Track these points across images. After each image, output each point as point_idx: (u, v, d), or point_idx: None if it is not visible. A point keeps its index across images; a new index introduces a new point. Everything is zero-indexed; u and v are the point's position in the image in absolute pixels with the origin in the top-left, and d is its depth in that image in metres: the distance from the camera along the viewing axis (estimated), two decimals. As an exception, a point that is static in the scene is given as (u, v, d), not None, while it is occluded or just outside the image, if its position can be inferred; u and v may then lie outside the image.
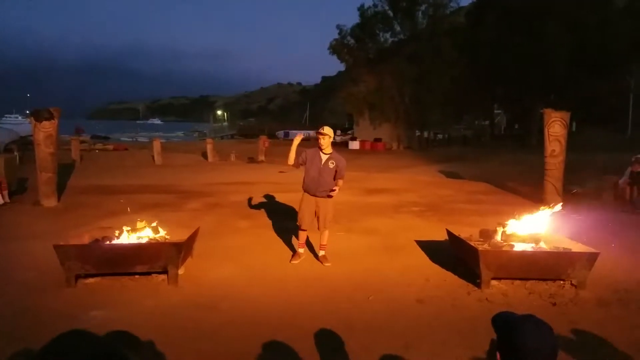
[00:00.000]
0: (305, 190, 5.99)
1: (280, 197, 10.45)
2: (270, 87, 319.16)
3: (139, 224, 5.61)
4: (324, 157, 5.87)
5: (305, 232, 6.08)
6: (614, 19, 29.91)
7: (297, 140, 6.07)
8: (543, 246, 5.35)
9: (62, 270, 5.00)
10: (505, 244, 5.34)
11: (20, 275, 5.44)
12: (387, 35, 40.45)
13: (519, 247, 5.30)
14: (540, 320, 1.50)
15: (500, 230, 5.59)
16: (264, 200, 10.63)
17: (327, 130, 5.88)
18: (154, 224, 5.71)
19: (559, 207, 5.70)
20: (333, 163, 5.85)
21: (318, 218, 5.94)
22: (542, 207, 5.80)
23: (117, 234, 5.49)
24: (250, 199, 10.00)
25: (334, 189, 5.78)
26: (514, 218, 5.71)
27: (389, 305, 4.64)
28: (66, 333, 0.99)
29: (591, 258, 4.99)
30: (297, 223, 6.10)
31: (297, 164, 6.01)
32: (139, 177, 15.55)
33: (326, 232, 6.04)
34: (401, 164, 22.47)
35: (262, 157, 23.57)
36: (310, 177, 5.86)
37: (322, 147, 5.84)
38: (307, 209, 5.93)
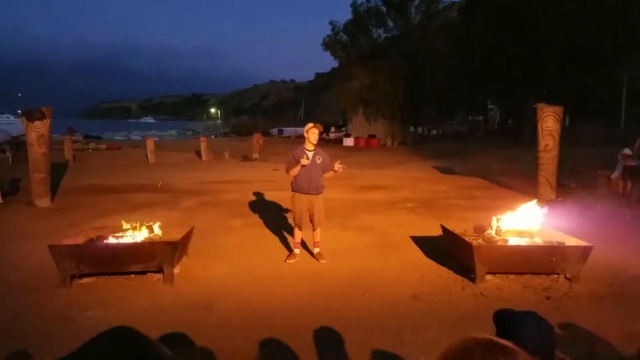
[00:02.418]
0: (296, 191, 5.99)
1: (274, 195, 10.44)
2: (264, 84, 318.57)
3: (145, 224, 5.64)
4: (310, 155, 5.91)
5: (301, 232, 6.10)
6: (604, 14, 30.03)
7: (305, 162, 5.82)
8: (537, 240, 5.39)
9: (56, 271, 4.98)
10: (499, 238, 5.37)
11: (15, 275, 5.41)
12: (380, 31, 40.61)
13: (513, 241, 5.33)
14: (541, 317, 1.51)
15: (494, 224, 5.61)
16: (258, 198, 10.62)
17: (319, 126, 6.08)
18: (156, 225, 5.70)
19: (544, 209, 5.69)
20: (320, 158, 5.95)
21: (312, 216, 5.95)
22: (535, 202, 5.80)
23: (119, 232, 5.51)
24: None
25: (338, 169, 5.87)
26: (508, 212, 5.74)
27: (384, 302, 4.66)
28: (106, 333, 0.95)
29: (585, 252, 5.03)
30: (294, 223, 6.10)
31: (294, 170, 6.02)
32: (133, 177, 15.48)
33: (319, 230, 6.07)
34: (395, 160, 22.52)
35: (256, 155, 23.55)
36: (302, 176, 5.88)
37: (313, 142, 5.91)
38: (301, 208, 5.95)
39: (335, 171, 5.93)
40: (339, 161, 5.96)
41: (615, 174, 10.68)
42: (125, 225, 5.60)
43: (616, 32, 29.33)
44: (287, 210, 8.30)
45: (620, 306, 4.53)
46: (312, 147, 5.96)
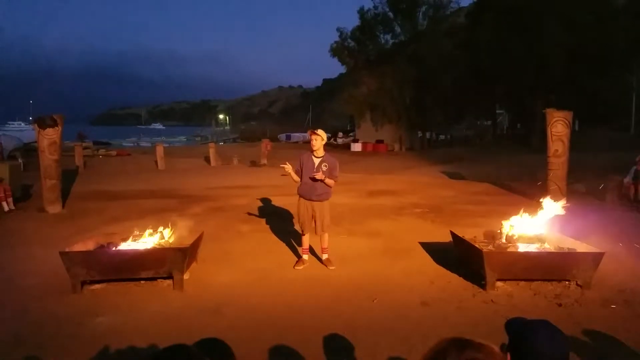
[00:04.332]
0: (300, 195, 6.00)
1: (282, 201, 10.45)
2: (272, 90, 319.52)
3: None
4: (316, 161, 5.90)
5: (307, 237, 6.10)
6: (613, 17, 29.86)
7: (289, 169, 5.95)
8: (547, 247, 5.34)
9: (67, 277, 5.02)
10: (509, 245, 5.33)
11: (26, 281, 5.46)
12: (388, 36, 40.59)
13: (523, 248, 5.29)
14: (553, 326, 1.50)
15: (504, 230, 5.58)
16: (266, 203, 10.64)
17: (321, 132, 5.92)
18: (168, 230, 5.74)
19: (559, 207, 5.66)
20: (326, 166, 5.88)
21: (315, 222, 5.96)
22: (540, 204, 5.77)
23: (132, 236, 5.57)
24: None
25: (316, 176, 5.71)
26: (518, 217, 5.70)
27: (394, 308, 4.64)
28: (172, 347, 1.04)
29: (596, 258, 4.98)
30: (299, 229, 6.12)
31: (299, 176, 6.01)
32: (142, 182, 15.58)
33: (326, 235, 6.06)
34: (403, 165, 22.47)
35: (264, 161, 23.60)
36: (306, 183, 5.90)
37: (314, 149, 5.87)
38: (305, 213, 5.96)
39: (313, 178, 5.76)
40: (321, 172, 5.80)
41: (627, 179, 10.59)
42: (135, 232, 5.64)
43: (625, 35, 29.13)
44: (295, 215, 8.30)
45: (632, 312, 4.48)
46: (321, 154, 5.93)
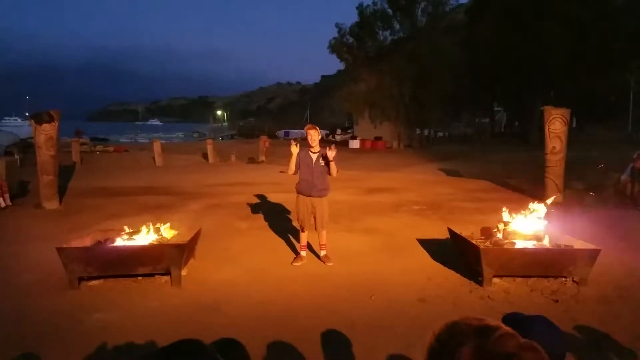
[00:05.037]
0: (299, 192, 6.01)
1: (280, 198, 10.45)
2: (270, 86, 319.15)
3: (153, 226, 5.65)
4: (314, 156, 5.93)
5: (306, 234, 6.10)
6: (613, 16, 29.91)
7: (294, 150, 5.96)
8: (544, 243, 5.36)
9: (65, 273, 5.01)
10: (506, 241, 5.34)
11: (23, 278, 5.45)
12: (387, 33, 40.55)
13: (520, 244, 5.31)
14: (550, 322, 1.50)
15: (501, 227, 5.59)
16: (264, 200, 10.64)
17: (317, 127, 6.07)
18: (166, 226, 5.74)
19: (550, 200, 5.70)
20: (326, 157, 5.89)
21: (315, 218, 5.96)
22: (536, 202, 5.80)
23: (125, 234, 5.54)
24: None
25: (329, 154, 5.73)
26: (515, 215, 5.71)
27: (391, 305, 4.65)
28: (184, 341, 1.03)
29: (593, 255, 4.99)
30: (298, 226, 6.13)
31: (297, 171, 6.03)
32: (140, 179, 15.56)
33: (324, 232, 6.06)
34: (401, 162, 22.48)
35: (262, 158, 23.59)
36: (304, 179, 5.91)
37: (313, 144, 5.91)
38: (304, 210, 5.96)
39: (327, 157, 5.78)
40: (330, 147, 5.84)
41: (624, 176, 10.61)
42: (131, 229, 5.62)
43: (624, 34, 29.18)
44: (293, 212, 8.30)
45: (628, 309, 4.50)
46: (318, 149, 5.96)
